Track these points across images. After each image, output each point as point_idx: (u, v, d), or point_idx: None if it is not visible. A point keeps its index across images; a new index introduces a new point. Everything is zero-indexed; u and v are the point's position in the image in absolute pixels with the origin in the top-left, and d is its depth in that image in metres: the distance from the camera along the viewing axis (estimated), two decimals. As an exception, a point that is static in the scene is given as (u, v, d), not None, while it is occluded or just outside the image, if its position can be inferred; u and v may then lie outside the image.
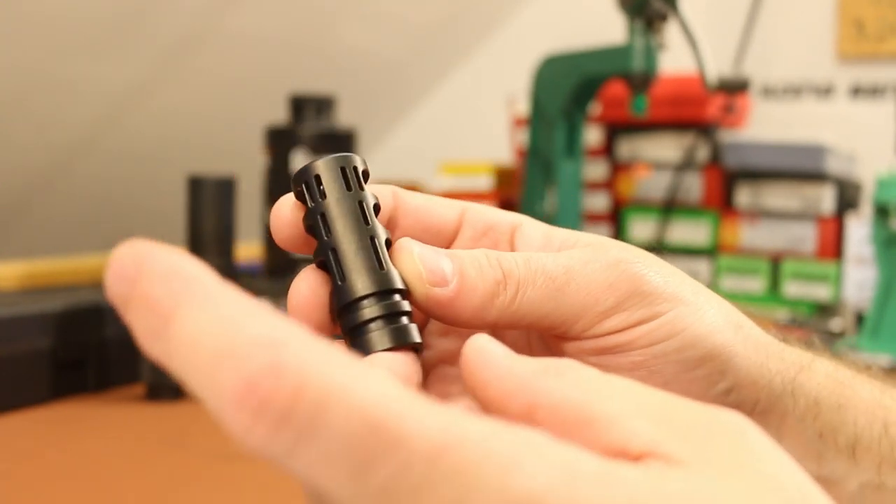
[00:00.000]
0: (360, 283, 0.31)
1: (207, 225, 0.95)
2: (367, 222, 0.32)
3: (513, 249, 0.36)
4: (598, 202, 1.41)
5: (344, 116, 1.13)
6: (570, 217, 1.09)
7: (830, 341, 1.08)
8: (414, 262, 0.32)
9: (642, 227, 1.40)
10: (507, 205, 1.46)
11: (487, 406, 0.26)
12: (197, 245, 0.95)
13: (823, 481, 0.34)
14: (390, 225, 0.35)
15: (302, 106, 1.08)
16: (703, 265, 1.37)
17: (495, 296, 0.33)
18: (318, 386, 0.20)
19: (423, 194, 0.36)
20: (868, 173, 1.30)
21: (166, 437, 0.72)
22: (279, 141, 1.07)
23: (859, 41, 1.52)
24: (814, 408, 0.35)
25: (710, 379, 0.34)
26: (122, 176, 1.46)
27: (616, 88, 1.19)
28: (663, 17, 1.06)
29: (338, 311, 0.32)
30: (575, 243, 0.35)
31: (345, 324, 0.32)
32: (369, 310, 0.31)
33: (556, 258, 0.34)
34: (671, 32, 1.12)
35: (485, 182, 1.51)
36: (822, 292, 1.29)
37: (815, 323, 1.16)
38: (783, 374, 0.35)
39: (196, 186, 0.96)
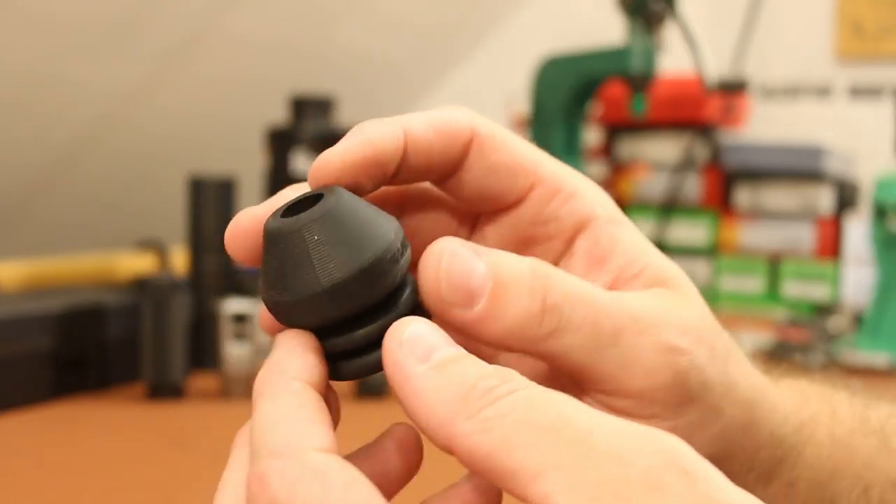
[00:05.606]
0: None
1: (208, 225, 0.95)
2: None
3: (570, 250, 0.32)
4: (598, 202, 1.41)
5: (344, 117, 1.13)
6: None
7: (829, 341, 1.09)
8: (437, 277, 0.27)
9: (642, 227, 1.39)
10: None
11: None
12: (197, 245, 0.96)
13: None
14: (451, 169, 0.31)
15: (302, 107, 1.08)
16: (702, 265, 1.38)
17: (526, 328, 0.27)
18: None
19: (506, 145, 0.31)
20: (866, 173, 1.30)
21: (167, 436, 0.73)
22: (279, 141, 1.07)
23: (858, 42, 1.53)
24: (801, 494, 0.34)
25: None
26: (123, 176, 1.46)
27: (615, 89, 1.20)
28: (662, 18, 1.07)
29: None
30: (640, 271, 0.31)
31: None
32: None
33: (613, 309, 0.29)
34: (670, 33, 1.12)
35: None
36: (820, 292, 1.29)
37: (813, 323, 1.16)
38: (777, 467, 0.34)
39: (197, 187, 0.96)
